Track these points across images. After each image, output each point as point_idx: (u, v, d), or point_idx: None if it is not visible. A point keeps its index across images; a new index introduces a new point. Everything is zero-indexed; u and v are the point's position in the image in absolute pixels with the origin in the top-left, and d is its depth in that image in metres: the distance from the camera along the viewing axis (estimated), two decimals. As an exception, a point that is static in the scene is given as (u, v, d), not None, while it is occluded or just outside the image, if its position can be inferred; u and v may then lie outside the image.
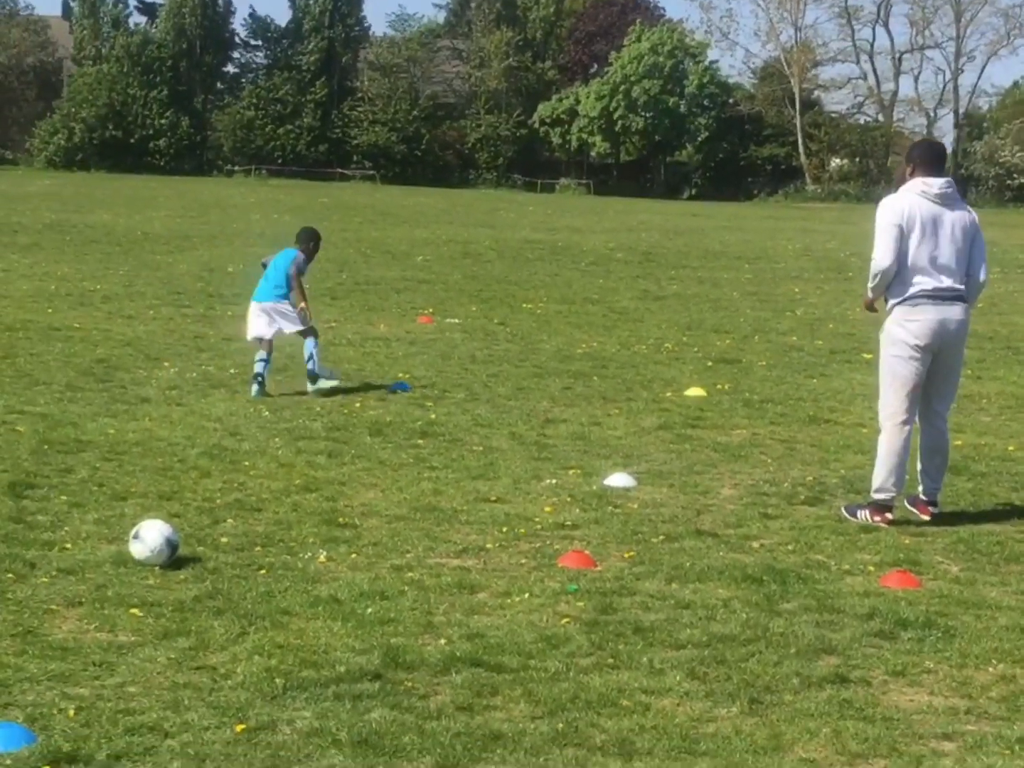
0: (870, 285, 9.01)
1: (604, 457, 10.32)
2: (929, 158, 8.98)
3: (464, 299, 21.61)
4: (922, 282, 8.73)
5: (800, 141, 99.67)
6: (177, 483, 8.94)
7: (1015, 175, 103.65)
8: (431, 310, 19.76)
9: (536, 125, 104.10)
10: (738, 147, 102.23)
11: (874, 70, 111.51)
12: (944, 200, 8.80)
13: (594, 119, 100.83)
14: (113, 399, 11.87)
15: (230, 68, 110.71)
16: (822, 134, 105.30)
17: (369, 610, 6.54)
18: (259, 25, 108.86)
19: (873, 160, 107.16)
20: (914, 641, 6.42)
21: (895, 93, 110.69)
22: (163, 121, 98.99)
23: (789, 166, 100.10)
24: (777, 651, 6.20)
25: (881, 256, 8.78)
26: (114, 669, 5.72)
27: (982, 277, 8.92)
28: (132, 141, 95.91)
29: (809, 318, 20.75)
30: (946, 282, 8.74)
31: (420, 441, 10.64)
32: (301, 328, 12.81)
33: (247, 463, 9.62)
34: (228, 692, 5.49)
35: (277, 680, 5.61)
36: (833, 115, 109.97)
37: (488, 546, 7.81)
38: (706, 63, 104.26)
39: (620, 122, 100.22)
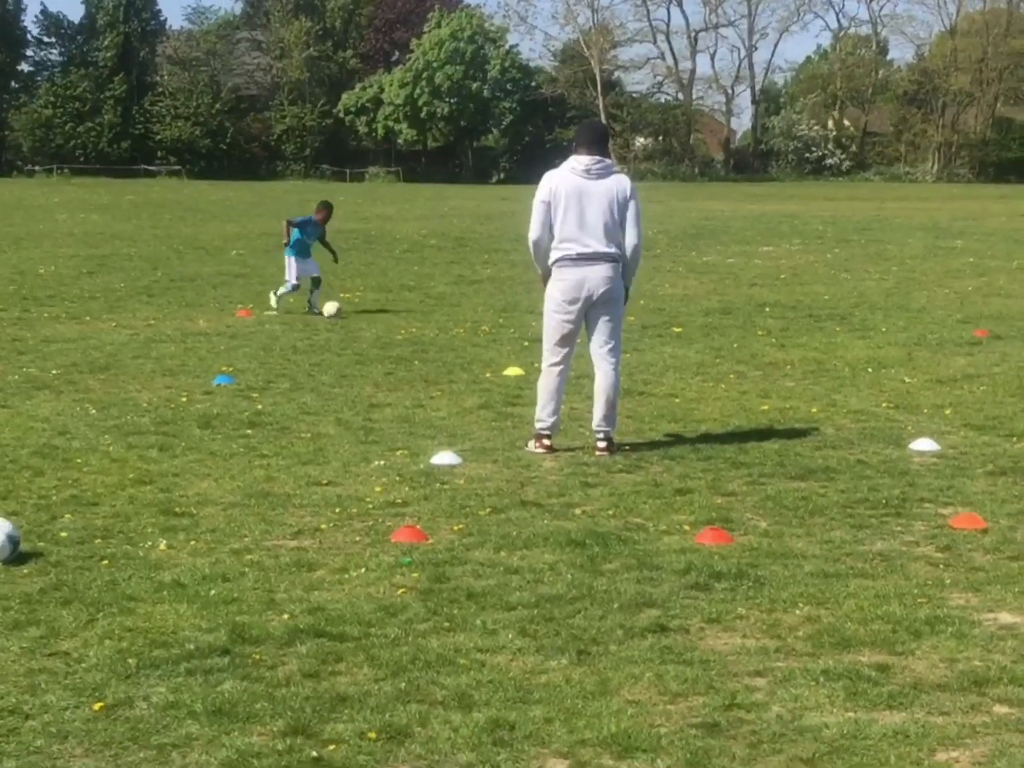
0: (532, 255, 10.24)
1: (429, 437, 10.66)
2: (585, 138, 10.16)
3: (281, 291, 21.70)
4: (569, 247, 9.94)
5: (603, 122, 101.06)
6: (11, 482, 9.04)
7: (812, 148, 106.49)
8: (250, 304, 19.89)
9: (341, 114, 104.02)
10: (543, 130, 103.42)
11: (671, 50, 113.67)
12: (590, 174, 9.92)
13: (399, 107, 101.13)
14: (-65, 404, 11.86)
15: (24, 66, 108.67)
16: (624, 114, 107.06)
17: (213, 592, 6.79)
18: (52, 22, 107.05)
19: (676, 138, 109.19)
20: (727, 591, 6.88)
21: (693, 72, 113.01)
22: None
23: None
24: (601, 607, 6.60)
25: (531, 230, 10.06)
26: (-32, 660, 5.90)
27: (633, 240, 10.03)
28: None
29: (619, 295, 21.24)
30: (592, 246, 9.92)
31: (249, 431, 10.86)
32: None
33: (79, 460, 9.74)
34: (83, 674, 5.71)
35: (130, 660, 5.85)
36: (634, 95, 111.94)
37: (323, 527, 8.09)
38: (506, 47, 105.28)
39: (425, 109, 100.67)
